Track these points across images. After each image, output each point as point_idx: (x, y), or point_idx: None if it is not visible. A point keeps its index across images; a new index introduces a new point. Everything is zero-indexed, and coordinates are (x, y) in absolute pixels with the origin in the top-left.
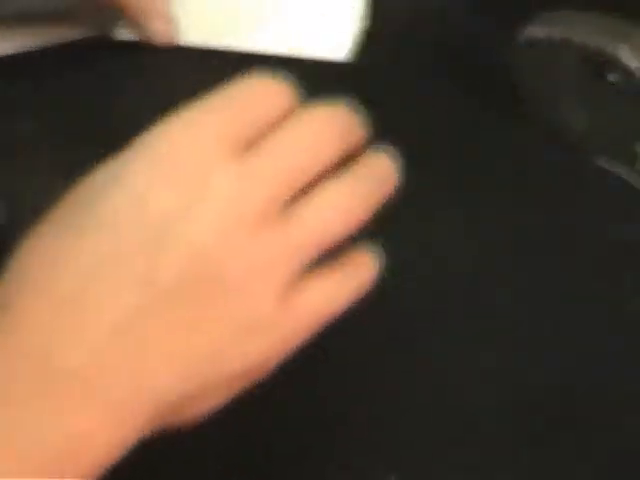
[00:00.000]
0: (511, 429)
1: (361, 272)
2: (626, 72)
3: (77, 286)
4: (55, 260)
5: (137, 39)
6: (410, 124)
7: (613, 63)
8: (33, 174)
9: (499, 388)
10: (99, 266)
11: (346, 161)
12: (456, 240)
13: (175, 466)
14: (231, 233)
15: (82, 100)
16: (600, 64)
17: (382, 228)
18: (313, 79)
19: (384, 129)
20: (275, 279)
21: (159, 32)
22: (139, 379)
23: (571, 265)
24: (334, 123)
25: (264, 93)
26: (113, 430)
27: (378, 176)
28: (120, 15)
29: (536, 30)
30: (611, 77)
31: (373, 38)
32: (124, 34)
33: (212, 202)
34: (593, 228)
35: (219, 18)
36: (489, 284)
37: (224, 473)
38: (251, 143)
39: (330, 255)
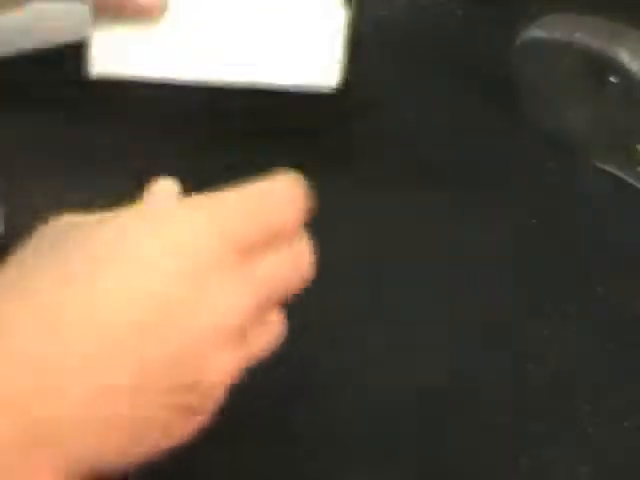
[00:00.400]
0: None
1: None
2: (627, 74)
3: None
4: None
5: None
6: (410, 125)
7: (614, 65)
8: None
9: None
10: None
11: None
12: (455, 239)
13: None
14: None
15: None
16: (601, 66)
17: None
18: None
19: (384, 129)
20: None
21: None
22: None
23: (569, 265)
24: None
25: (284, 203)
26: None
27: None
28: None
29: (537, 32)
30: (612, 79)
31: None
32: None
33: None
34: (592, 229)
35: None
36: (489, 281)
37: None
38: (253, 245)
39: None
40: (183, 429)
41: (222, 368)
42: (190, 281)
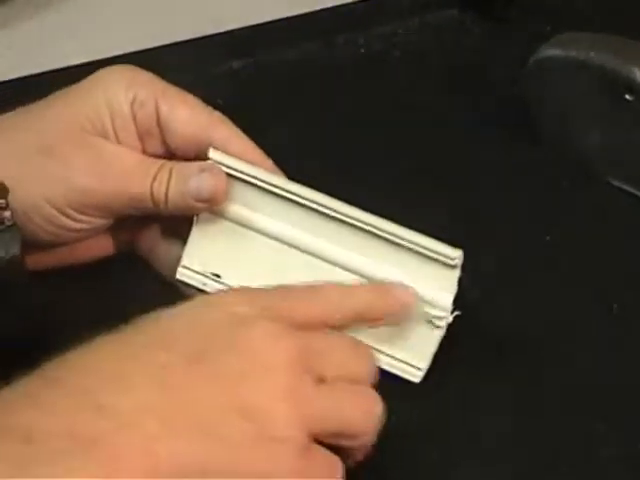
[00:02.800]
0: None
1: None
2: None
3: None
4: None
5: None
6: (423, 142)
7: (629, 83)
8: None
9: None
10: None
11: None
12: (469, 256)
13: None
14: None
15: None
16: (616, 84)
17: None
18: None
19: (397, 145)
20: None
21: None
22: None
23: (584, 281)
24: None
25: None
26: None
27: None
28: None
29: (552, 50)
30: (627, 97)
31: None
32: None
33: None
34: (606, 246)
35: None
36: (502, 298)
37: None
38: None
39: None
40: None
41: None
42: None
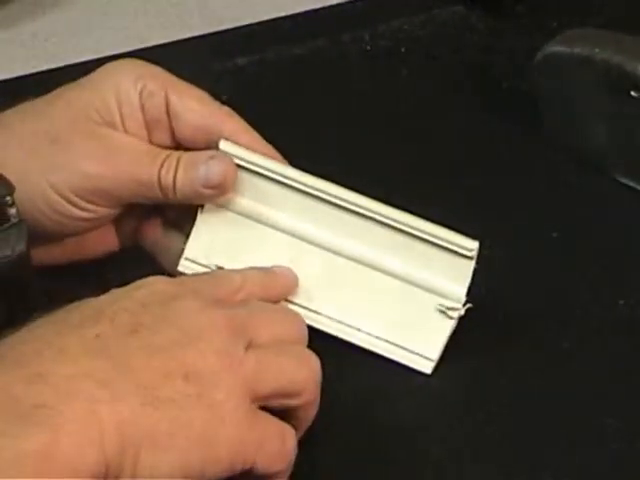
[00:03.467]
0: None
1: None
2: None
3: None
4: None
5: None
6: (429, 138)
7: (634, 80)
8: None
9: None
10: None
11: None
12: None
13: None
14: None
15: None
16: (621, 81)
17: None
18: None
19: (403, 141)
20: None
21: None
22: None
23: (590, 278)
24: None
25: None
26: None
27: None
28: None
29: (558, 47)
30: (632, 94)
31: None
32: None
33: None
34: (612, 243)
35: None
36: (508, 295)
37: None
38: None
39: None
40: None
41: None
42: None
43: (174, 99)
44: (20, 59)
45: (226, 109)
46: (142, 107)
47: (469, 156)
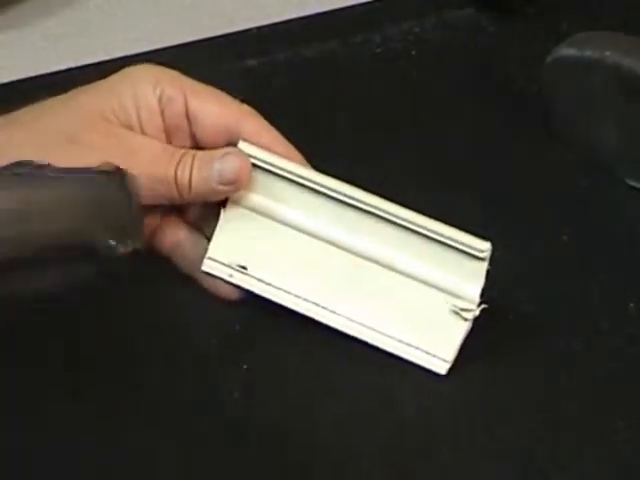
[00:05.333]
0: None
1: None
2: None
3: None
4: None
5: None
6: (440, 140)
7: None
8: None
9: None
10: None
11: None
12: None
13: None
14: None
15: None
16: (631, 84)
17: None
18: None
19: (413, 144)
20: None
21: None
22: None
23: (601, 281)
24: None
25: None
26: None
27: None
28: None
29: (568, 49)
30: None
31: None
32: None
33: None
34: (623, 245)
35: None
36: (520, 297)
37: None
38: None
39: None
40: None
41: None
42: None
43: (194, 103)
44: (31, 60)
45: (246, 108)
46: (162, 112)
47: (481, 158)
